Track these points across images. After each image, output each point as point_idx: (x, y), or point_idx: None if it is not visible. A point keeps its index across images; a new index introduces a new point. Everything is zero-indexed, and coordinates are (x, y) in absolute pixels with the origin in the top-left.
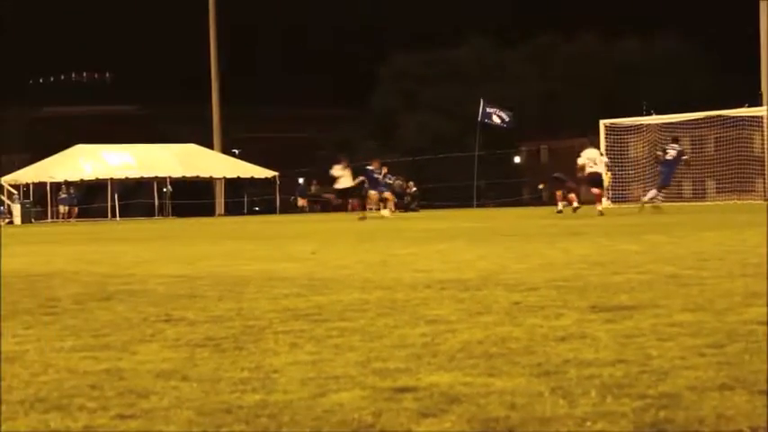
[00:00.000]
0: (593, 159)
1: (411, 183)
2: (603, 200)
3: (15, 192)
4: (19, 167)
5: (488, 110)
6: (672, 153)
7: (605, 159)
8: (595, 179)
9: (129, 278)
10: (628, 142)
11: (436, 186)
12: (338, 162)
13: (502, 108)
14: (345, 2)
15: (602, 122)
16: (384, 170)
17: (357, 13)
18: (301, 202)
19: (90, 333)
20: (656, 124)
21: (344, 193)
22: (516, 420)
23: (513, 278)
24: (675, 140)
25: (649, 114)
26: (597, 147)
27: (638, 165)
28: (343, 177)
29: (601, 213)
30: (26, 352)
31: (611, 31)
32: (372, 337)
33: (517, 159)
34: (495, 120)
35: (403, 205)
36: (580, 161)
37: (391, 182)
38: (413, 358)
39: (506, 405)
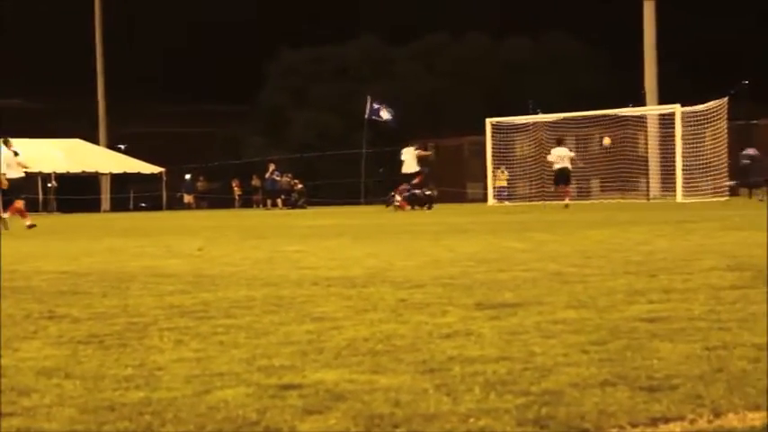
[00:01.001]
0: (561, 157)
1: (297, 180)
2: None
3: None
4: None
5: (375, 106)
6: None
7: (572, 155)
8: (563, 175)
9: (11, 274)
10: (514, 141)
11: (324, 183)
12: (410, 145)
13: (387, 105)
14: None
15: (489, 121)
16: (272, 166)
17: (244, 7)
18: (188, 198)
19: None
20: (543, 123)
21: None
22: (401, 417)
23: (399, 275)
24: (559, 142)
25: (536, 113)
26: (564, 145)
27: (524, 163)
28: (407, 162)
29: (566, 206)
30: None
31: (501, 30)
32: (258, 334)
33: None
34: (384, 115)
35: (290, 202)
36: (549, 158)
37: (279, 178)
38: (298, 355)
39: (391, 402)
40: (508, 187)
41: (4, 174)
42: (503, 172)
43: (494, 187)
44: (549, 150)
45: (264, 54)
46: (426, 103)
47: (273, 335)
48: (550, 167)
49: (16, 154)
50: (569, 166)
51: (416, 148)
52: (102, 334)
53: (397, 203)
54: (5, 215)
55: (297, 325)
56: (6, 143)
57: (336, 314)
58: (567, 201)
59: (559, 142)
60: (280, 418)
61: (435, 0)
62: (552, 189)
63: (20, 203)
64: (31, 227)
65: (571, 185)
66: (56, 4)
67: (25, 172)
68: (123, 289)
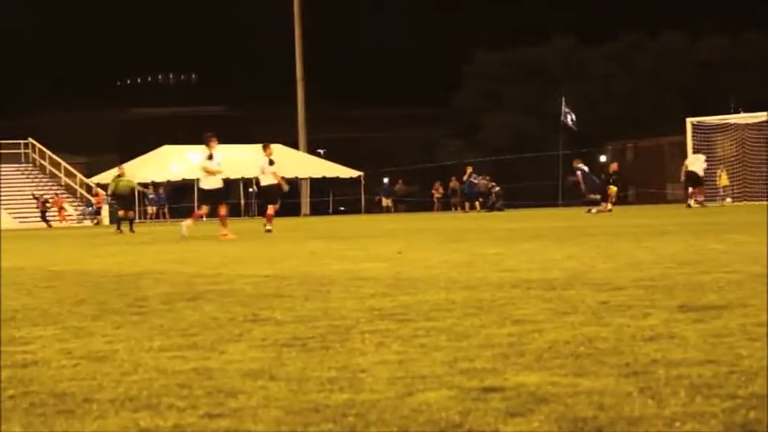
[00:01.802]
0: (693, 161)
1: (494, 183)
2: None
3: (150, 190)
4: (107, 168)
5: (566, 109)
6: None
7: (702, 157)
8: (693, 177)
9: (216, 278)
10: (715, 141)
11: (520, 186)
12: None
13: (572, 111)
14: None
15: (689, 121)
16: (470, 169)
17: (438, 12)
18: (386, 201)
19: (178, 333)
20: (745, 123)
21: None
22: (605, 420)
23: (599, 278)
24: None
25: (737, 113)
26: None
27: (726, 164)
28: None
29: (688, 206)
30: (116, 351)
31: (696, 29)
32: (459, 337)
33: (603, 158)
34: (568, 121)
35: (487, 205)
36: (687, 161)
37: (476, 181)
38: (500, 358)
39: (594, 405)
40: (725, 187)
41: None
42: (722, 171)
43: (722, 187)
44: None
45: (460, 57)
46: (623, 103)
47: (474, 337)
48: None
49: (272, 162)
50: (699, 169)
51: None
52: (305, 337)
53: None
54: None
55: (497, 328)
56: (265, 149)
57: (537, 317)
58: (691, 201)
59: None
60: (482, 421)
61: (630, 0)
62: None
63: (223, 209)
64: (268, 231)
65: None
66: (255, 14)
67: (227, 177)
68: (324, 292)
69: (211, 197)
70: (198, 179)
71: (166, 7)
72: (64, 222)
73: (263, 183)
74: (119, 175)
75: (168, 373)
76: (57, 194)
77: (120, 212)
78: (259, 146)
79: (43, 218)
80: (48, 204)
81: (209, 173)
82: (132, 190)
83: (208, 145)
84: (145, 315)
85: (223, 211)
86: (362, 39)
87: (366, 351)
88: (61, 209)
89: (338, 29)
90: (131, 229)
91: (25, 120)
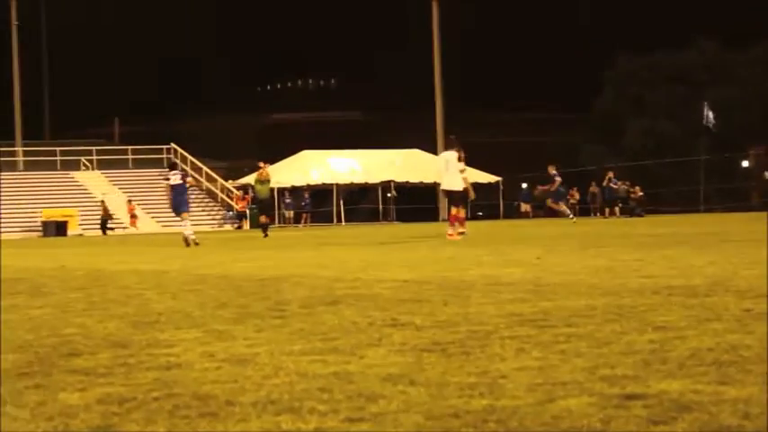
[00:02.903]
0: None
1: (638, 187)
2: None
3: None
4: (247, 173)
5: (707, 114)
6: None
7: None
8: None
9: (355, 282)
10: None
11: (661, 191)
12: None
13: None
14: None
15: None
16: (610, 174)
17: (582, 15)
18: (525, 207)
19: (318, 337)
20: None
21: None
22: (750, 430)
23: (743, 284)
24: None
25: None
26: None
27: None
28: None
29: None
30: (257, 355)
31: None
32: (600, 344)
33: (745, 163)
34: (710, 126)
35: (628, 210)
36: None
37: (616, 186)
38: (641, 365)
39: (739, 414)
40: None
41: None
42: None
43: None
44: None
45: (602, 62)
46: (767, 108)
47: (615, 344)
48: None
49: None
50: None
51: None
52: (445, 342)
53: None
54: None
55: (638, 334)
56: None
57: (679, 323)
58: None
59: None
60: (624, 429)
61: None
62: None
63: (461, 212)
64: (461, 234)
65: None
66: (396, 19)
67: (366, 182)
68: (464, 297)
69: (456, 198)
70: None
71: (307, 14)
72: (133, 228)
73: (452, 187)
74: (259, 180)
75: (309, 376)
76: (129, 201)
77: (262, 218)
78: (399, 150)
79: (103, 226)
80: (110, 212)
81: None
82: (272, 193)
83: (447, 148)
84: (285, 319)
85: (461, 213)
86: (501, 44)
87: (506, 357)
88: (133, 216)
89: (476, 34)
90: (266, 234)
91: (169, 125)
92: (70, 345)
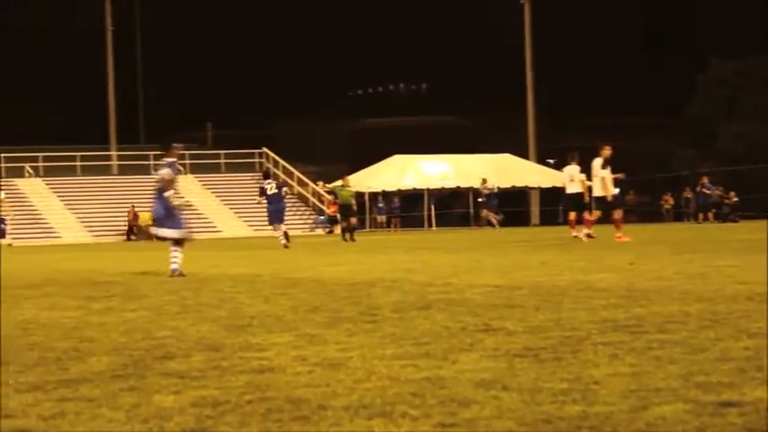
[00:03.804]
0: None
1: (732, 193)
2: None
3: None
4: (338, 178)
5: None
6: None
7: None
8: None
9: (446, 287)
10: None
11: (756, 196)
12: None
13: None
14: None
15: None
16: (704, 179)
17: (675, 18)
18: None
19: (410, 341)
20: None
21: None
22: None
23: None
24: None
25: None
26: None
27: None
28: None
29: None
30: (350, 359)
31: None
32: (694, 350)
33: None
34: None
35: (722, 216)
36: None
37: (710, 192)
38: (736, 372)
39: None
40: None
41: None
42: None
43: None
44: None
45: (694, 65)
46: None
47: (710, 351)
48: None
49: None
50: None
51: None
52: (537, 347)
53: None
54: (583, 232)
55: (734, 341)
56: (572, 158)
57: None
58: None
59: None
60: None
61: None
62: None
63: (618, 213)
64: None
65: None
66: (487, 21)
67: (457, 187)
68: (556, 303)
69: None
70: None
71: (398, 18)
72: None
73: (570, 190)
74: (342, 186)
75: (401, 381)
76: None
77: (343, 223)
78: (491, 155)
79: (130, 231)
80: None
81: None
82: (353, 199)
83: (600, 154)
84: (377, 323)
85: (617, 214)
86: (593, 48)
87: (599, 363)
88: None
89: (568, 35)
90: (352, 238)
91: (261, 130)
92: (164, 348)
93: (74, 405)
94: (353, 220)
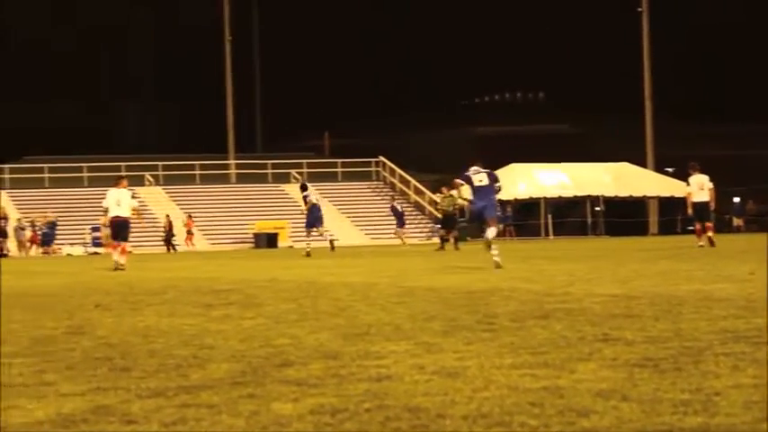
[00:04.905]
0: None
1: None
2: None
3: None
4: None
5: None
6: None
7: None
8: None
9: (564, 297)
10: None
11: None
12: None
13: None
14: None
15: None
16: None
17: None
18: (736, 221)
19: (528, 350)
20: None
21: None
22: None
23: None
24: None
25: None
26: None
27: None
28: None
29: None
30: (467, 368)
31: None
32: None
33: None
34: None
35: None
36: None
37: None
38: None
39: None
40: None
41: None
42: None
43: None
44: None
45: None
46: None
47: None
48: None
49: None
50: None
51: None
52: (657, 357)
53: None
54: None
55: None
56: (694, 168)
57: None
58: None
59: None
60: None
61: None
62: None
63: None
64: None
65: None
66: (604, 29)
67: (574, 196)
68: (675, 313)
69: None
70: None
71: (514, 27)
72: (191, 246)
73: (697, 199)
74: (445, 195)
75: (519, 390)
76: (189, 216)
77: (441, 232)
78: (608, 164)
79: (167, 241)
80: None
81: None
82: (455, 207)
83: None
84: (495, 332)
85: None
86: (712, 55)
87: (720, 374)
88: (190, 233)
89: (687, 43)
90: (456, 247)
91: (377, 139)
92: (282, 355)
93: (194, 411)
94: (454, 230)
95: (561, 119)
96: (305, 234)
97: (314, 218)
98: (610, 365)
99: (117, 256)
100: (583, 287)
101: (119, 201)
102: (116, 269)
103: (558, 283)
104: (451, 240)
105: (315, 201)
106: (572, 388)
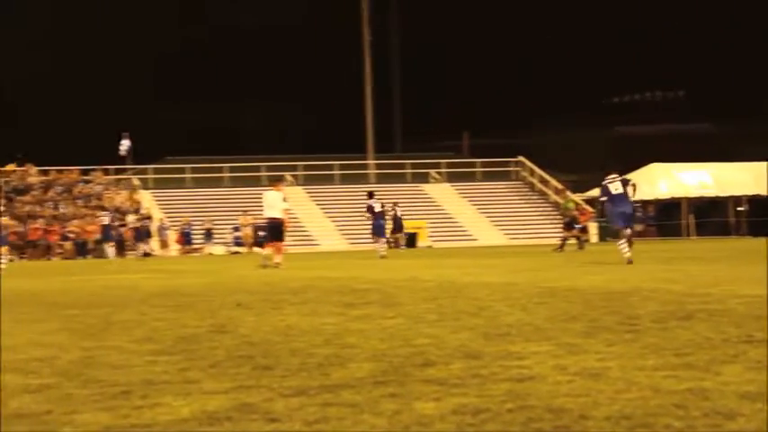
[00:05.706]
0: None
1: None
2: None
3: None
4: (593, 186)
5: None
6: None
7: None
8: None
9: (707, 297)
10: None
11: None
12: None
13: None
14: None
15: None
16: None
17: None
18: None
19: (671, 352)
20: None
21: None
22: None
23: None
24: None
25: None
26: None
27: None
28: None
29: None
30: (609, 369)
31: None
32: None
33: None
34: None
35: None
36: None
37: None
38: None
39: None
40: None
41: None
42: None
43: None
44: None
45: None
46: None
47: None
48: None
49: None
50: None
51: None
52: None
53: None
54: None
55: None
56: None
57: None
58: None
59: None
60: None
61: None
62: None
63: None
64: None
65: None
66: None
67: (716, 196)
68: None
69: None
70: None
71: (653, 26)
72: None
73: None
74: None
75: (663, 392)
76: (245, 212)
77: (565, 233)
78: (751, 163)
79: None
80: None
81: None
82: (570, 210)
83: None
84: (637, 333)
85: None
86: None
87: None
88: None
89: None
90: (580, 247)
91: (517, 138)
92: (423, 355)
93: (336, 410)
94: (574, 232)
95: (702, 118)
96: (372, 241)
97: (377, 226)
98: (755, 368)
99: (272, 255)
100: (726, 288)
101: (273, 203)
102: (265, 266)
103: (700, 283)
104: (574, 241)
105: (380, 208)
106: (717, 390)
